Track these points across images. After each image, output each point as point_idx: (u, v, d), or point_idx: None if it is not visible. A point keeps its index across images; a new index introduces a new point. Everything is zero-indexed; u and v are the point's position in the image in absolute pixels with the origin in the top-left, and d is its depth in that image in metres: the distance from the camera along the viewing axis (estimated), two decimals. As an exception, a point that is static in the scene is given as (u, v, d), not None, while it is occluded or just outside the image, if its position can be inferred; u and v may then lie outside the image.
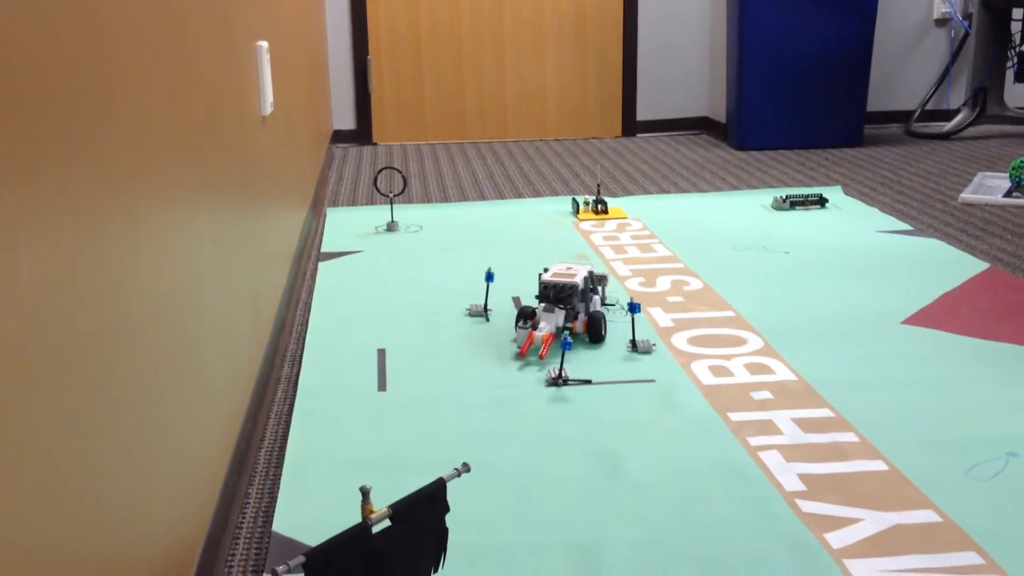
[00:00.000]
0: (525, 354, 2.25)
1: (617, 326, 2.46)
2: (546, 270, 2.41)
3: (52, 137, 0.88)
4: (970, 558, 1.48)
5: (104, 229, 1.02)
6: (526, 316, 2.33)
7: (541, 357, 2.19)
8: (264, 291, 2.20)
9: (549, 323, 2.29)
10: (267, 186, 2.43)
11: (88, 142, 0.99)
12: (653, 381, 2.14)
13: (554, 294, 2.34)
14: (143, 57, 1.23)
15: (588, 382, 2.12)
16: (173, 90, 1.40)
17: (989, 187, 3.84)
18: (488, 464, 1.78)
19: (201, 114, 1.61)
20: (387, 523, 1.17)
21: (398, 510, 1.16)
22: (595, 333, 2.34)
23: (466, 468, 1.27)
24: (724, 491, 1.67)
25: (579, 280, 2.35)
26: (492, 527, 1.58)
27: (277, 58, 2.71)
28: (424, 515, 1.20)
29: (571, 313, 2.34)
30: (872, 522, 1.57)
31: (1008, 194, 3.71)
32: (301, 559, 1.06)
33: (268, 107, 2.44)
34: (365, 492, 1.14)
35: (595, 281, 2.45)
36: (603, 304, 2.51)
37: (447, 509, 1.24)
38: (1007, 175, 3.80)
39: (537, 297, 2.38)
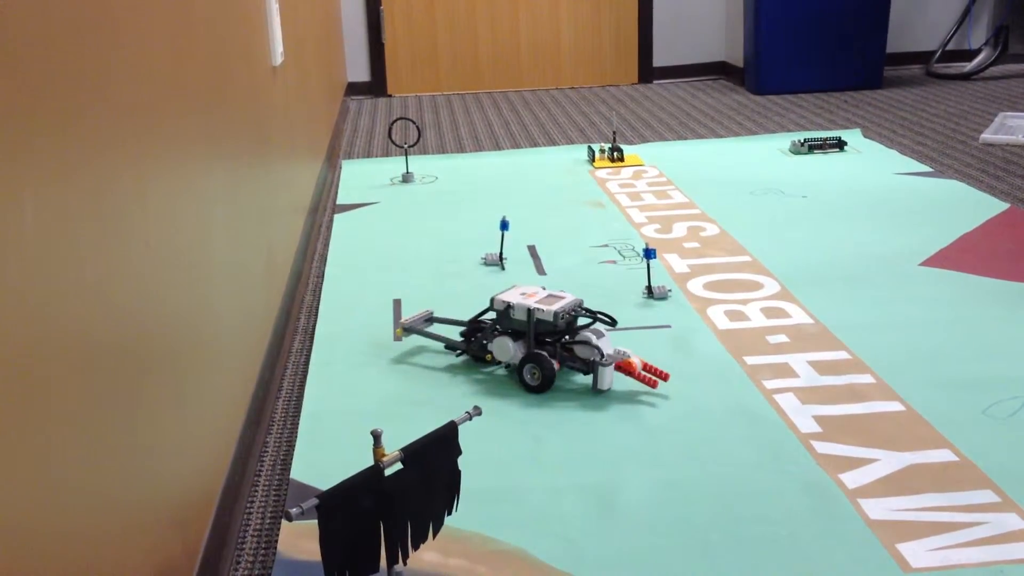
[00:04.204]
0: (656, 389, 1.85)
1: (634, 273, 2.45)
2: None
3: (54, 90, 0.88)
4: (986, 496, 1.47)
5: (110, 183, 1.02)
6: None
7: (664, 378, 1.82)
8: (278, 243, 2.21)
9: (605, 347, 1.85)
10: (280, 138, 2.43)
11: (91, 95, 0.98)
12: (669, 327, 2.13)
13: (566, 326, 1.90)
14: (144, 4, 1.23)
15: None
16: (177, 40, 1.40)
17: (1011, 127, 3.79)
18: (502, 410, 1.79)
19: (208, 64, 1.60)
20: (400, 466, 1.17)
21: (410, 453, 1.16)
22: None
23: (477, 411, 1.27)
24: (739, 434, 1.68)
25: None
26: (507, 471, 1.59)
27: (287, 7, 2.69)
28: (436, 458, 1.21)
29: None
30: (887, 462, 1.57)
31: (1030, 134, 3.66)
32: (314, 501, 1.07)
33: (278, 57, 2.43)
34: (377, 435, 1.15)
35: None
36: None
37: (460, 452, 1.25)
38: (1029, 114, 3.75)
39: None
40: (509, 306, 1.90)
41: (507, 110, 4.71)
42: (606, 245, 2.68)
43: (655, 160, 3.58)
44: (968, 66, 5.02)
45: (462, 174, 3.48)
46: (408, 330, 2.04)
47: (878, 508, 1.45)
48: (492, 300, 1.93)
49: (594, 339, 1.84)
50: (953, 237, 2.62)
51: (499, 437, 1.69)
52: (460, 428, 1.26)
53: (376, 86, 5.21)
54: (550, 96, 5.07)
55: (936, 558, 1.34)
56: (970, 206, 2.88)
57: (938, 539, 1.38)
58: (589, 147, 3.63)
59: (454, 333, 2.09)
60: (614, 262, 2.55)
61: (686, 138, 3.94)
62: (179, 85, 1.38)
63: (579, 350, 1.85)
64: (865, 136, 3.82)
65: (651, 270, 2.38)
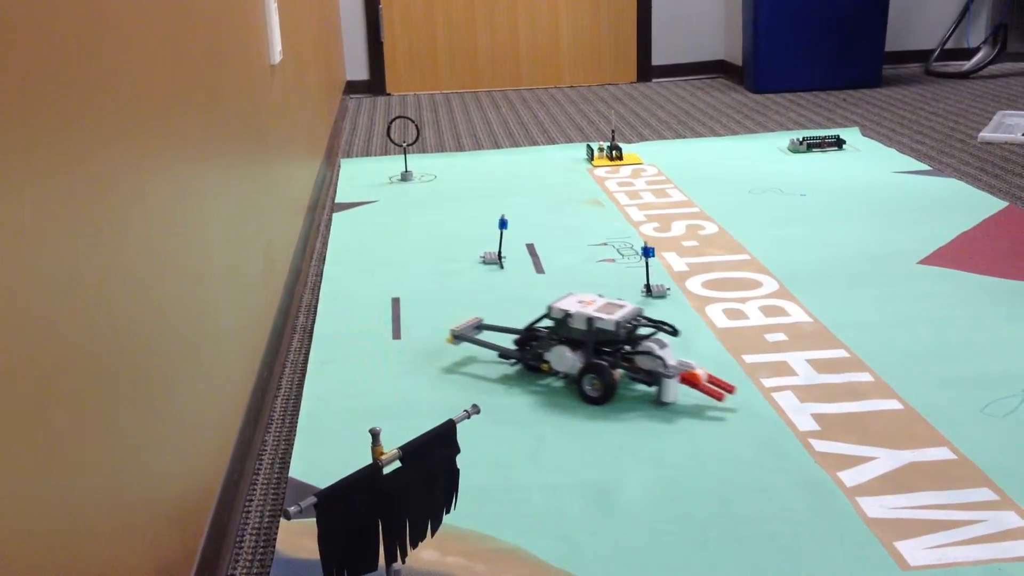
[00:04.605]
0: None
1: (632, 271, 2.45)
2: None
3: (51, 89, 0.88)
4: (984, 494, 1.48)
5: (108, 182, 1.02)
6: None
7: (730, 390, 1.77)
8: (277, 241, 2.21)
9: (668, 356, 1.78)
10: (278, 136, 2.43)
11: (88, 94, 0.98)
12: (668, 325, 2.13)
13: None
14: (142, 2, 1.23)
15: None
16: (175, 39, 1.40)
17: (1009, 125, 3.79)
18: (502, 408, 1.79)
19: (206, 63, 1.60)
20: (398, 465, 1.18)
21: (408, 451, 1.16)
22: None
23: (476, 410, 1.27)
24: (738, 432, 1.68)
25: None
26: (506, 469, 1.59)
27: (286, 6, 2.69)
28: (435, 456, 1.21)
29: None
30: (886, 460, 1.57)
31: (1029, 132, 3.66)
32: (312, 499, 1.07)
33: (277, 56, 2.43)
34: (375, 434, 1.15)
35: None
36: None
37: (458, 450, 1.25)
38: (1028, 113, 3.75)
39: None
40: (568, 314, 1.83)
41: (506, 109, 4.71)
42: (605, 244, 2.68)
43: (654, 159, 3.58)
44: (967, 64, 5.02)
45: (461, 173, 3.48)
46: (459, 337, 1.97)
47: (876, 506, 1.45)
48: (549, 308, 1.86)
49: (657, 349, 1.77)
50: (952, 235, 2.62)
51: (500, 436, 1.69)
52: (459, 427, 1.26)
53: (375, 85, 5.21)
54: (549, 95, 5.07)
55: (934, 556, 1.34)
56: (969, 204, 2.88)
57: (936, 537, 1.38)
58: (588, 145, 3.63)
59: (503, 340, 2.02)
60: (613, 261, 2.55)
61: (685, 137, 3.94)
62: (176, 84, 1.38)
63: (642, 361, 1.78)
64: (864, 135, 3.82)
65: (650, 268, 2.38)
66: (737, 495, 1.50)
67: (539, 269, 2.50)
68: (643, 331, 1.89)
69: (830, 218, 2.82)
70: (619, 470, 1.58)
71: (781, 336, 2.05)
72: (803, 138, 3.59)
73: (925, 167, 3.32)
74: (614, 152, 3.53)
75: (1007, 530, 1.39)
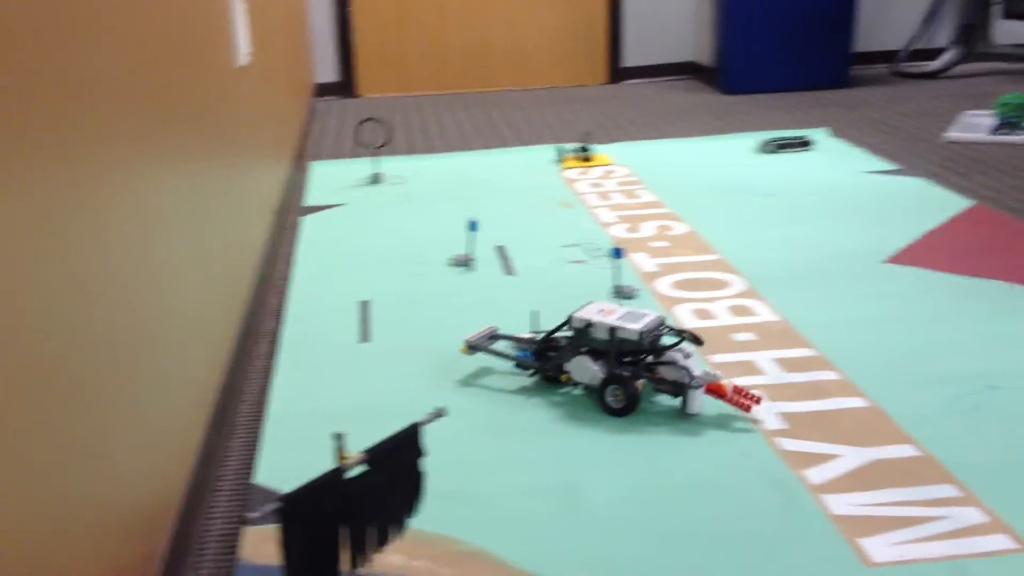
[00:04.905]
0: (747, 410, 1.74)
1: (602, 272, 2.45)
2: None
3: (12, 91, 0.87)
4: (947, 491, 1.49)
5: (67, 185, 1.01)
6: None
7: (757, 401, 1.72)
8: (243, 245, 2.20)
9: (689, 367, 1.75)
10: (245, 139, 2.41)
11: (51, 96, 0.97)
12: (636, 326, 2.13)
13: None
14: (101, 6, 1.21)
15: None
16: (138, 40, 1.38)
17: (975, 125, 3.82)
18: (470, 411, 1.78)
19: (170, 64, 1.59)
20: (363, 468, 1.17)
21: (373, 455, 1.16)
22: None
23: (441, 412, 1.27)
24: (705, 431, 1.68)
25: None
26: (475, 472, 1.58)
27: (254, 8, 2.67)
28: (400, 459, 1.20)
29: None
30: (851, 458, 1.58)
31: (995, 131, 3.69)
32: (274, 504, 1.06)
33: (244, 57, 2.42)
34: (339, 437, 1.15)
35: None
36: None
37: (423, 453, 1.25)
38: (993, 112, 3.78)
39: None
40: (589, 324, 1.78)
41: (477, 110, 4.71)
42: (575, 245, 2.68)
43: (624, 160, 3.58)
44: (934, 65, 5.07)
45: (431, 175, 3.47)
46: (474, 348, 1.93)
47: (841, 503, 1.46)
48: (570, 317, 1.81)
49: (681, 359, 1.73)
50: (918, 234, 2.64)
51: (468, 439, 1.69)
52: (427, 430, 1.26)
53: (345, 87, 5.19)
54: (520, 96, 5.07)
55: (897, 553, 1.35)
56: (936, 203, 2.91)
57: (900, 534, 1.39)
58: (558, 147, 3.63)
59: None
60: (583, 262, 2.55)
61: (655, 138, 3.95)
62: (140, 85, 1.37)
63: (666, 371, 1.74)
64: (832, 135, 3.85)
65: (619, 269, 2.38)
66: (704, 494, 1.50)
67: (509, 271, 2.50)
68: (666, 340, 1.84)
69: (799, 218, 2.83)
70: (586, 472, 1.58)
71: (749, 336, 2.06)
72: (772, 139, 3.61)
73: (893, 167, 3.34)
74: (584, 153, 3.53)
75: (970, 526, 1.40)
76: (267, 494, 1.52)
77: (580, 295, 2.32)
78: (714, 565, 1.34)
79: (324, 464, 1.57)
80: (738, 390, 1.72)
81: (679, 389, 1.73)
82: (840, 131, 3.91)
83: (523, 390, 1.86)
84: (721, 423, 1.70)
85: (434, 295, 2.35)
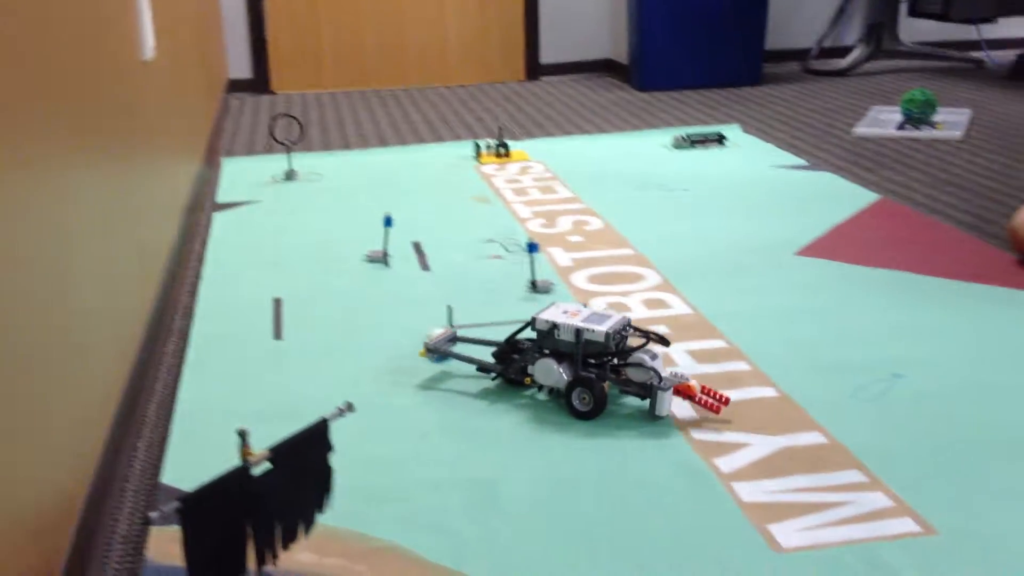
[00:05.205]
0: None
1: (519, 267, 2.45)
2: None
3: None
4: (853, 476, 1.52)
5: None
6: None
7: (725, 402, 1.70)
8: (152, 242, 2.14)
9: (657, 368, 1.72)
10: (153, 135, 2.36)
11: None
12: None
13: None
14: (-9, -8, 1.17)
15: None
16: (38, 33, 1.34)
17: (882, 121, 3.92)
18: (385, 407, 1.77)
19: (71, 57, 1.54)
20: (269, 465, 1.15)
21: (278, 451, 1.14)
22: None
23: (349, 408, 1.25)
24: (620, 424, 1.69)
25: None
26: (390, 468, 1.57)
27: (159, 1, 2.61)
28: (306, 456, 1.19)
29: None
30: (761, 446, 1.61)
31: (900, 127, 3.79)
32: (176, 503, 1.04)
33: (149, 52, 2.36)
34: (243, 434, 1.12)
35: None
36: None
37: (331, 449, 1.23)
38: (900, 108, 3.88)
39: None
40: (555, 326, 1.74)
41: (393, 107, 4.68)
42: (492, 241, 2.68)
43: (542, 156, 3.59)
44: (843, 63, 5.18)
45: (347, 171, 3.44)
46: (432, 351, 1.87)
47: (751, 491, 1.48)
48: (534, 319, 1.77)
49: (648, 360, 1.71)
50: (827, 227, 2.70)
51: (384, 435, 1.67)
52: (340, 426, 1.24)
53: (259, 83, 5.11)
54: (437, 93, 5.05)
55: (805, 538, 1.37)
56: (843, 197, 2.97)
57: (808, 519, 1.41)
58: (475, 143, 3.63)
59: (479, 352, 1.93)
60: (499, 257, 2.55)
61: (572, 134, 3.97)
62: (40, 79, 1.32)
63: (634, 373, 1.71)
64: (744, 131, 3.91)
65: (535, 264, 2.39)
66: (618, 486, 1.51)
67: (425, 267, 2.49)
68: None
69: (711, 212, 2.87)
70: (503, 466, 1.57)
71: (663, 328, 2.08)
72: (686, 135, 3.65)
73: (802, 162, 3.41)
74: (501, 150, 3.53)
75: (875, 510, 1.43)
76: (174, 494, 1.49)
77: (496, 290, 2.31)
78: (626, 557, 1.34)
79: (234, 463, 1.55)
80: (707, 391, 1.70)
81: (647, 391, 1.70)
82: (752, 127, 3.98)
83: (443, 381, 1.84)
84: (635, 416, 1.71)
85: (349, 292, 2.32)
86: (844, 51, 5.38)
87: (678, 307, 2.19)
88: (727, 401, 1.69)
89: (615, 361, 1.75)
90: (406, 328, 2.10)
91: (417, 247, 2.63)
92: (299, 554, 1.33)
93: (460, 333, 1.96)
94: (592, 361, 1.76)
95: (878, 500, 1.45)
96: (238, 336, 2.08)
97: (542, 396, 1.80)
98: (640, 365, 1.71)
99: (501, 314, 2.16)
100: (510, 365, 1.81)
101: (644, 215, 2.86)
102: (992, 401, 1.74)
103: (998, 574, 1.29)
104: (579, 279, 2.38)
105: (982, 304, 2.16)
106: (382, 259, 2.52)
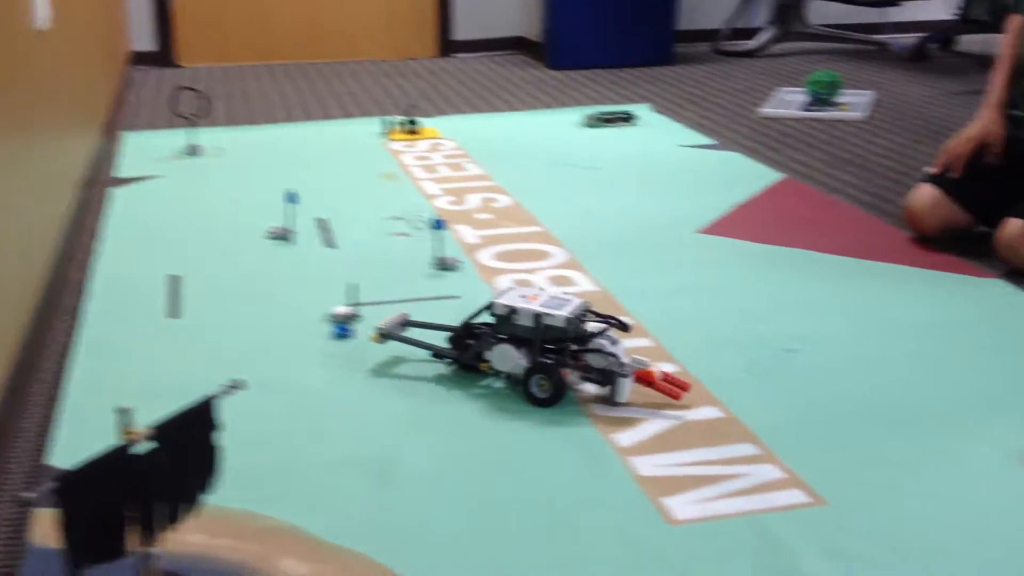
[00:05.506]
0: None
1: (425, 244, 2.44)
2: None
3: None
4: (747, 449, 1.54)
5: None
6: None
7: (686, 388, 1.69)
8: (41, 217, 2.07)
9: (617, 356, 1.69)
10: (46, 106, 2.28)
11: None
12: (458, 297, 2.13)
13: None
14: None
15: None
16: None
17: (788, 101, 3.98)
18: (282, 384, 1.74)
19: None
20: (152, 444, 1.12)
21: (161, 430, 1.11)
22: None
23: (237, 385, 1.23)
24: (519, 401, 1.69)
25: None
26: (282, 446, 1.55)
27: (51, -32, 2.52)
28: (191, 434, 1.16)
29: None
30: (659, 421, 1.62)
31: (806, 108, 3.85)
32: (52, 484, 1.00)
33: (44, 20, 2.28)
34: (124, 412, 1.09)
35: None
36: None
37: (217, 427, 1.20)
38: (805, 89, 3.94)
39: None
40: (513, 311, 1.69)
41: (303, 82, 4.60)
42: (399, 218, 2.65)
43: (453, 133, 3.57)
44: (752, 44, 5.25)
45: (252, 146, 3.37)
46: (386, 336, 1.82)
47: (647, 465, 1.50)
48: (491, 303, 1.72)
49: (608, 346, 1.67)
50: (731, 206, 2.73)
51: (275, 412, 1.65)
52: (232, 404, 1.21)
53: (163, 56, 4.98)
54: (348, 68, 4.98)
55: (699, 510, 1.39)
56: (748, 176, 3.01)
57: (701, 492, 1.43)
58: (384, 119, 3.59)
59: (433, 337, 1.85)
60: (407, 234, 2.52)
61: (484, 111, 3.95)
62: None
63: (593, 359, 1.67)
64: (654, 110, 3.93)
65: (442, 241, 2.37)
66: (515, 463, 1.51)
67: (331, 244, 2.45)
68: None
69: (619, 190, 2.88)
70: (399, 443, 1.56)
71: (566, 305, 2.08)
72: (597, 113, 3.66)
73: (710, 141, 3.45)
74: (411, 126, 3.50)
75: (767, 482, 1.46)
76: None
77: (402, 267, 2.30)
78: (520, 533, 1.35)
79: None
80: (667, 377, 1.69)
81: (607, 377, 1.67)
82: (662, 107, 4.01)
83: (343, 358, 1.82)
84: (535, 390, 1.72)
85: (250, 269, 2.28)
86: (754, 32, 5.44)
87: (584, 284, 2.20)
88: (687, 387, 1.68)
89: (573, 347, 1.70)
90: (307, 305, 2.07)
91: (322, 224, 2.59)
92: (188, 535, 1.30)
93: (412, 317, 1.90)
94: (550, 347, 1.70)
95: (770, 472, 1.48)
96: (133, 314, 2.03)
97: (500, 384, 1.75)
98: (599, 351, 1.67)
99: (406, 291, 2.15)
100: (465, 351, 1.77)
101: (553, 193, 2.86)
102: (879, 375, 1.78)
103: (884, 541, 1.32)
104: (485, 256, 2.37)
105: (874, 280, 2.21)
106: (285, 236, 2.48)
